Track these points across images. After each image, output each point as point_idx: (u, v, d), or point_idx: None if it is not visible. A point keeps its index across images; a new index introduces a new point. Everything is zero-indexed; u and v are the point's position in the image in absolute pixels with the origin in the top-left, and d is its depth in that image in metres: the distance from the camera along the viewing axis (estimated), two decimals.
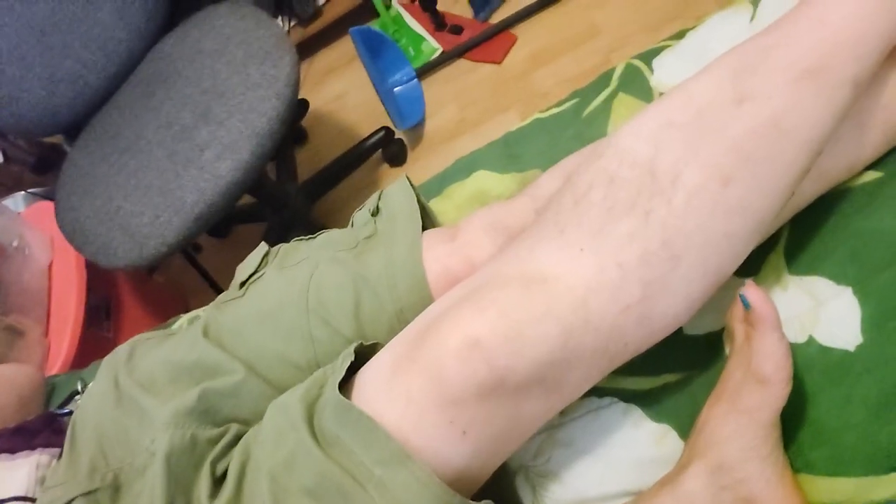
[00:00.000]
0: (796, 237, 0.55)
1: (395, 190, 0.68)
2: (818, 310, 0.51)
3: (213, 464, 0.52)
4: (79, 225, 1.10)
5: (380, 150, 1.60)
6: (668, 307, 0.46)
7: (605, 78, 0.70)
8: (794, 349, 0.50)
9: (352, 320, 0.58)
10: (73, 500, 0.54)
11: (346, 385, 0.50)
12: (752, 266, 0.56)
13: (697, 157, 0.46)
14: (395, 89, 1.61)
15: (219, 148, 1.02)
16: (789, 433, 0.49)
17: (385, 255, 0.60)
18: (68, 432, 0.61)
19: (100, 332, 1.32)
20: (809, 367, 0.50)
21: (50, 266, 1.26)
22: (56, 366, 1.12)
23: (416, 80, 1.61)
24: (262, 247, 0.72)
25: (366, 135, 1.58)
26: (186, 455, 0.53)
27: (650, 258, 0.45)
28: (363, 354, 0.53)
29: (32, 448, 0.61)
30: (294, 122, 1.77)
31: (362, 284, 0.59)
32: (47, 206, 1.26)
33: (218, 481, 0.51)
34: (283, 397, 0.53)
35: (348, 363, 0.51)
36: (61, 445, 0.60)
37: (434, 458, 0.45)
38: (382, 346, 0.52)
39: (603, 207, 0.48)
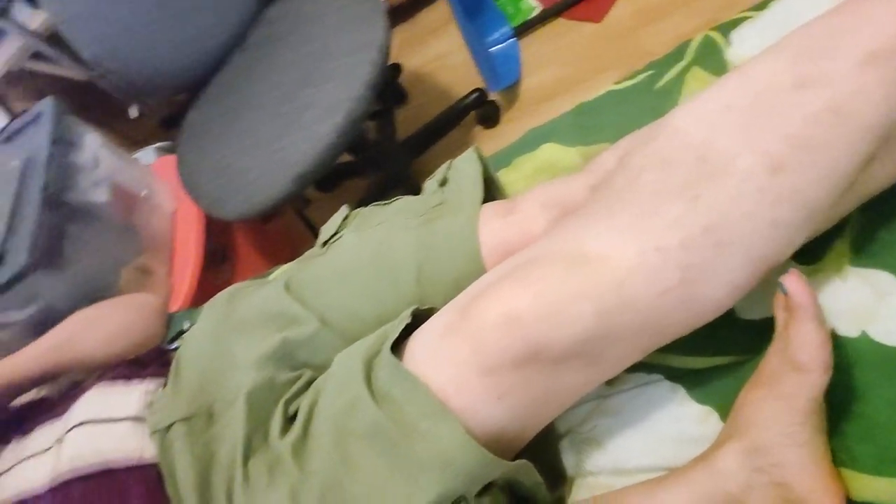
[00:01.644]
0: (866, 227, 0.53)
1: (463, 161, 0.71)
2: (878, 304, 0.49)
3: (287, 404, 0.59)
4: (195, 179, 1.22)
5: (474, 112, 1.62)
6: (710, 292, 0.47)
7: (681, 49, 0.69)
8: (844, 342, 0.49)
9: (414, 285, 0.63)
10: (173, 423, 0.63)
11: (402, 344, 0.55)
12: (817, 253, 0.54)
13: (750, 142, 0.46)
14: (492, 49, 1.61)
15: (317, 110, 1.09)
16: (836, 425, 0.49)
17: (446, 225, 0.64)
18: (173, 365, 0.71)
19: (217, 274, 1.45)
20: (860, 361, 0.48)
21: (174, 214, 1.40)
22: (177, 304, 1.26)
23: (514, 39, 1.60)
24: (343, 210, 0.78)
25: (462, 95, 1.60)
26: (265, 394, 0.61)
27: (692, 243, 0.46)
28: (420, 317, 0.58)
29: (143, 377, 0.71)
30: (387, 85, 1.82)
31: (425, 252, 0.64)
32: (173, 160, 1.39)
33: (290, 419, 0.58)
34: (349, 350, 0.59)
35: (403, 325, 0.56)
36: (167, 376, 0.70)
37: (472, 418, 0.49)
38: (437, 311, 0.57)
39: (652, 190, 0.48)
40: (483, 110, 1.61)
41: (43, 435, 0.69)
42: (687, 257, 0.46)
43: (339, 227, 0.76)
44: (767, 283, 0.48)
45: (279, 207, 1.17)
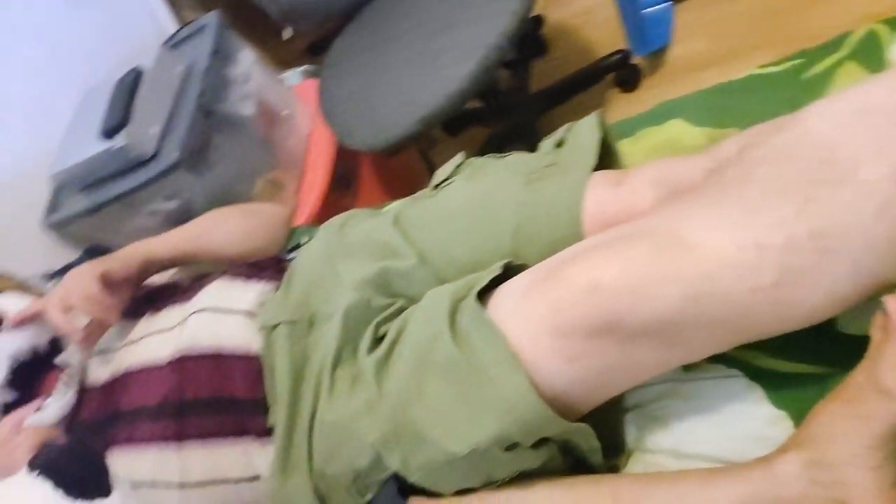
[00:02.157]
0: None
1: (583, 126, 0.71)
2: None
3: (378, 326, 0.64)
4: (332, 105, 1.29)
5: (613, 73, 1.57)
6: (806, 298, 0.46)
7: (839, 40, 0.64)
8: None
9: (509, 240, 0.65)
10: (279, 324, 0.71)
11: (488, 294, 0.58)
12: None
13: (881, 152, 0.43)
14: (645, 10, 1.54)
15: (453, 54, 1.11)
16: None
17: (552, 187, 0.65)
18: (287, 273, 0.78)
19: (340, 198, 1.54)
20: None
21: (309, 135, 1.49)
22: (300, 219, 1.35)
23: (670, 2, 1.52)
24: (459, 157, 0.81)
25: (604, 54, 1.56)
26: (360, 314, 0.66)
27: (796, 246, 0.44)
28: (510, 271, 0.60)
29: (260, 278, 0.79)
30: (526, 37, 1.79)
31: (527, 210, 0.65)
32: (315, 85, 1.47)
33: (377, 340, 0.63)
34: (439, 289, 0.62)
35: (493, 276, 0.59)
36: (280, 281, 0.78)
37: (539, 374, 0.52)
38: (528, 268, 0.59)
39: (765, 186, 0.47)
40: (623, 73, 1.56)
41: (170, 315, 0.79)
42: (788, 259, 0.45)
43: (453, 172, 0.79)
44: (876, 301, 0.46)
45: (404, 144, 1.22)
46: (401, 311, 0.66)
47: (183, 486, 0.69)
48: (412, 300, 0.67)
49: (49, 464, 0.41)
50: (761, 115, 0.66)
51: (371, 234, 0.75)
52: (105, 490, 0.40)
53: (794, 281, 0.45)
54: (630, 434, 0.60)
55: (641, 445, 0.58)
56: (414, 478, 0.55)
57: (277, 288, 0.78)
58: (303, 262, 0.78)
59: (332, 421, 0.61)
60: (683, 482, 0.50)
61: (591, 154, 0.67)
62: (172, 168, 1.15)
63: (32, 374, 0.79)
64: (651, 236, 0.50)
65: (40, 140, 1.25)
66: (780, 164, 0.47)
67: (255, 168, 1.36)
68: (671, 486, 0.50)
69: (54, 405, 0.77)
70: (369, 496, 0.59)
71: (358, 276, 0.69)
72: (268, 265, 0.83)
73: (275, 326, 0.71)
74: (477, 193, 0.71)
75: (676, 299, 0.47)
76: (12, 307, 0.81)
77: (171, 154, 1.15)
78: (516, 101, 1.60)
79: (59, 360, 0.79)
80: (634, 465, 0.57)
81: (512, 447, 0.52)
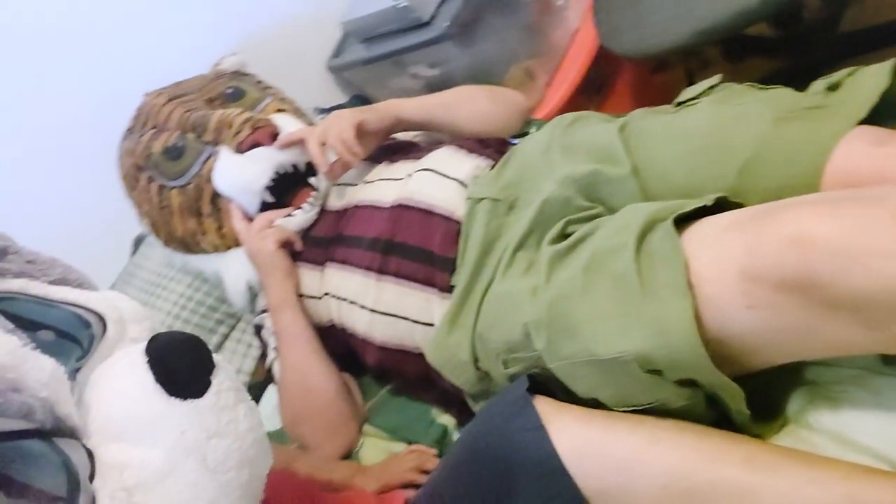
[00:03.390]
0: None
1: (869, 73, 0.62)
2: None
3: (568, 223, 0.66)
4: (605, 3, 1.24)
5: None
6: None
7: None
8: None
9: (734, 175, 0.61)
10: (483, 198, 0.76)
11: (689, 222, 0.56)
12: None
13: None
14: None
15: None
16: None
17: (804, 130, 0.59)
18: (506, 156, 0.82)
19: (586, 102, 1.52)
20: None
21: (575, 32, 1.47)
22: (540, 113, 1.37)
23: None
24: (716, 78, 0.76)
25: None
26: (557, 208, 0.68)
27: None
28: (722, 207, 0.57)
29: (481, 154, 0.84)
30: None
31: (766, 148, 0.60)
32: None
33: (563, 236, 0.65)
34: (641, 205, 0.62)
35: (700, 205, 0.56)
36: (497, 162, 0.82)
37: (711, 311, 0.50)
38: (743, 208, 0.55)
39: None
40: None
41: (402, 167, 0.88)
42: None
43: (702, 93, 0.74)
44: None
45: (670, 58, 1.15)
46: (595, 217, 0.66)
47: (373, 311, 0.80)
48: (611, 210, 0.67)
49: (160, 355, 0.39)
50: None
51: (594, 137, 0.75)
52: (201, 390, 0.39)
53: None
54: (793, 405, 0.56)
55: (801, 420, 0.54)
56: (554, 365, 0.58)
57: (493, 167, 0.82)
58: (523, 149, 0.81)
59: (501, 294, 0.66)
60: (823, 468, 0.46)
61: (863, 105, 0.58)
62: (442, 37, 1.23)
63: (288, 187, 0.95)
64: (887, 205, 0.44)
65: None
66: None
67: (516, 53, 1.39)
68: (809, 467, 0.47)
69: (301, 216, 0.92)
70: (511, 370, 0.63)
71: (567, 172, 0.70)
72: (491, 144, 0.88)
73: (480, 200, 0.76)
74: (718, 119, 0.67)
75: (892, 279, 0.42)
76: (288, 126, 0.96)
77: (442, 23, 1.22)
78: (819, 38, 1.39)
79: (312, 180, 0.94)
80: (785, 437, 0.54)
81: (655, 373, 0.52)
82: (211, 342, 1.11)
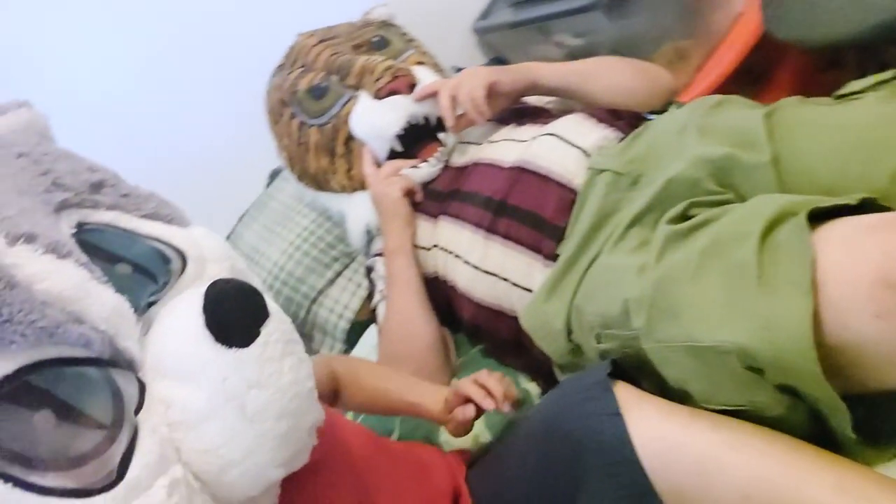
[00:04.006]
0: None
1: None
2: None
3: (691, 206, 0.63)
4: None
5: None
6: None
7: None
8: None
9: (888, 178, 0.56)
10: (606, 170, 0.73)
11: (825, 220, 0.51)
12: None
13: None
14: None
15: None
16: None
17: None
18: (638, 130, 0.79)
19: (738, 91, 1.42)
20: None
21: (738, 16, 1.37)
22: (686, 97, 1.30)
23: None
24: (889, 73, 0.68)
25: None
26: (682, 188, 0.65)
27: None
28: (866, 209, 0.52)
29: (611, 126, 0.82)
30: None
31: None
32: None
33: (683, 217, 0.62)
34: (776, 196, 0.58)
35: (842, 203, 0.52)
36: (627, 135, 0.79)
37: (834, 316, 0.46)
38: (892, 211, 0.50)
39: None
40: None
41: (527, 131, 0.87)
42: None
43: (868, 87, 0.67)
44: None
45: (843, 52, 1.04)
46: (723, 203, 0.62)
47: (476, 268, 0.81)
48: (741, 198, 0.63)
49: (214, 301, 0.38)
50: None
51: (737, 121, 0.70)
52: (248, 340, 0.38)
53: None
54: None
55: None
56: (648, 346, 0.55)
57: (621, 139, 0.79)
58: (657, 126, 0.78)
59: (606, 267, 0.64)
60: None
61: None
62: (593, 6, 1.19)
63: (418, 138, 0.97)
64: None
65: None
66: None
67: (669, 32, 1.32)
68: None
69: (426, 169, 0.95)
70: (604, 346, 0.61)
71: (699, 153, 0.67)
72: (624, 116, 0.85)
73: (601, 171, 0.74)
74: (882, 117, 0.61)
75: None
76: (427, 79, 0.98)
77: None
78: None
79: (442, 135, 0.96)
80: (890, 466, 0.48)
81: (755, 371, 0.49)
82: (325, 277, 1.17)
